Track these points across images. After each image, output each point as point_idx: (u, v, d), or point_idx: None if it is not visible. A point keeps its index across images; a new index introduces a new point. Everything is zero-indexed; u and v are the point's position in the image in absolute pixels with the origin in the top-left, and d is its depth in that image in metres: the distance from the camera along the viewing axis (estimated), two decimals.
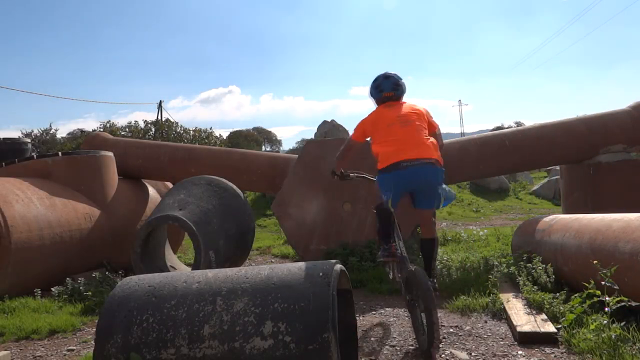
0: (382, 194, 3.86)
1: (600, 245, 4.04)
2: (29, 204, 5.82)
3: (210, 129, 33.68)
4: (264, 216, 15.30)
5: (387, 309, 4.81)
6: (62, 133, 40.33)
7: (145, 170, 8.18)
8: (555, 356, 3.36)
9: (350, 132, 4.67)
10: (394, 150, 3.83)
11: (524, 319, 3.90)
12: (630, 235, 3.73)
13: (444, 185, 3.94)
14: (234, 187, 6.68)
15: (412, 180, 3.80)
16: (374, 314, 4.64)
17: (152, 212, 6.35)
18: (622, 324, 3.30)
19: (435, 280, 3.85)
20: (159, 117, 34.00)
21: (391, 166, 3.80)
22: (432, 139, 3.99)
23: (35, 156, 7.09)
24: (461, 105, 68.98)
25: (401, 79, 4.23)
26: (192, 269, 5.68)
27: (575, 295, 3.94)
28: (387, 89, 4.16)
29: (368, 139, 4.30)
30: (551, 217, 5.79)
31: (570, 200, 7.70)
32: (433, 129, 4.17)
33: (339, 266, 2.66)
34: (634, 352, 3.07)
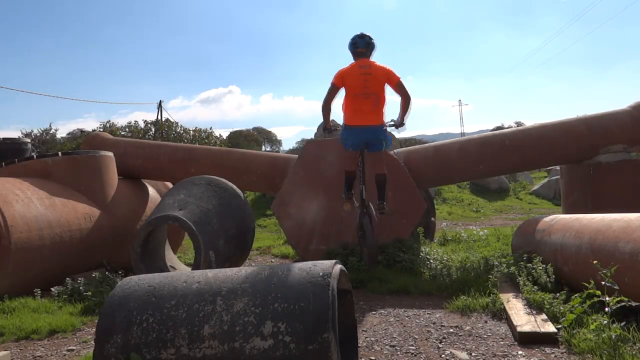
0: (346, 145, 5.46)
1: (600, 245, 4.04)
2: (29, 204, 5.82)
3: (210, 129, 33.67)
4: (264, 216, 15.30)
5: (387, 309, 4.81)
6: (62, 133, 40.35)
7: (145, 170, 8.18)
8: (555, 356, 3.36)
9: None
10: (353, 116, 5.32)
11: (524, 319, 3.90)
12: (630, 235, 3.73)
13: (387, 135, 5.48)
14: (234, 187, 6.68)
15: (364, 137, 5.34)
16: (374, 314, 4.64)
17: (152, 212, 6.35)
18: (622, 324, 3.30)
19: (385, 203, 5.47)
20: (159, 117, 34.00)
21: (351, 127, 5.36)
22: (382, 108, 5.39)
23: (35, 156, 7.08)
24: (461, 105, 69.02)
25: (373, 39, 5.45)
26: (192, 269, 5.68)
27: (576, 295, 3.94)
28: (361, 45, 5.40)
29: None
30: (551, 217, 5.79)
31: (570, 200, 7.70)
32: (393, 84, 5.33)
33: (339, 266, 2.66)
34: (634, 352, 3.07)
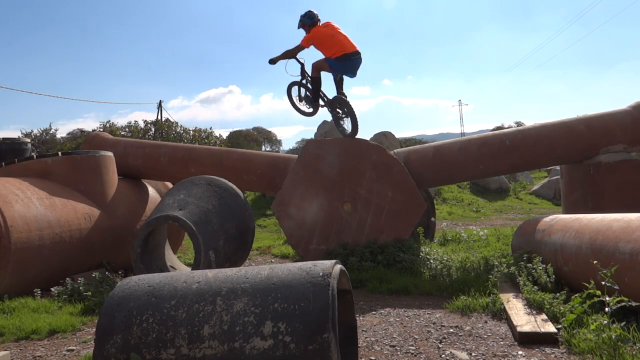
0: (332, 68, 7.03)
1: (600, 246, 4.04)
2: (28, 204, 5.82)
3: (210, 129, 33.64)
4: (264, 216, 15.30)
5: (387, 309, 4.81)
6: (62, 133, 40.34)
7: (145, 170, 8.18)
8: (555, 356, 3.36)
9: None
10: (342, 48, 6.91)
11: (524, 319, 3.90)
12: (630, 236, 3.73)
13: None
14: (234, 187, 6.68)
15: (356, 64, 7.02)
16: (374, 314, 4.64)
17: (152, 212, 6.35)
18: (622, 324, 3.30)
19: (344, 92, 7.28)
20: (159, 117, 33.98)
21: (344, 56, 6.91)
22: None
23: (35, 156, 7.07)
24: (461, 105, 68.96)
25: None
26: (192, 269, 5.68)
27: (576, 295, 3.94)
28: (316, 17, 7.21)
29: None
30: (551, 217, 5.79)
31: (570, 200, 7.70)
32: None
33: (339, 266, 2.66)
34: (634, 352, 3.07)
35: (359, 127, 7.17)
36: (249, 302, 2.43)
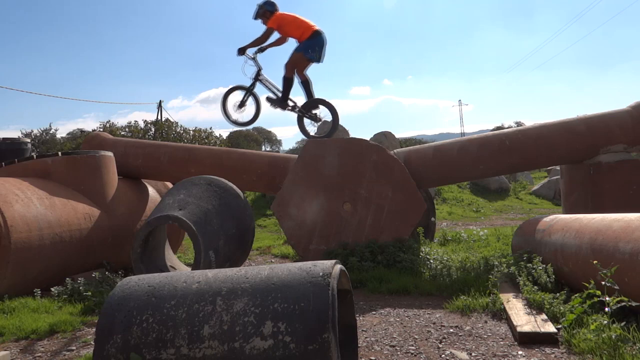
0: (309, 56, 7.07)
1: (600, 245, 4.04)
2: (28, 204, 5.82)
3: (210, 129, 33.63)
4: (264, 216, 15.30)
5: (387, 309, 4.81)
6: (62, 133, 40.32)
7: (145, 170, 8.18)
8: (555, 356, 3.36)
9: (350, 132, 7.85)
10: (309, 26, 7.05)
11: (524, 319, 3.90)
12: (630, 235, 3.73)
13: None
14: (234, 187, 6.68)
15: (323, 42, 7.15)
16: (374, 314, 4.64)
17: (152, 212, 6.34)
18: (623, 324, 3.30)
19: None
20: (159, 117, 33.97)
21: (314, 33, 7.04)
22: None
23: (35, 156, 7.07)
24: (461, 105, 68.97)
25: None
26: (192, 269, 5.68)
27: (576, 295, 3.94)
28: (277, 5, 7.29)
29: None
30: (551, 217, 5.79)
31: (570, 200, 7.70)
32: None
33: (339, 266, 2.66)
34: (634, 352, 3.07)
35: (337, 128, 7.34)
36: (249, 302, 2.43)
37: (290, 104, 7.49)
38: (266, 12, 7.24)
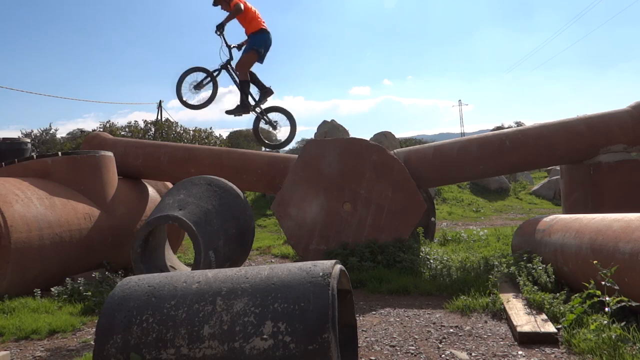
0: (258, 53, 6.92)
1: (600, 245, 4.03)
2: (28, 204, 5.82)
3: (210, 129, 33.62)
4: (264, 216, 15.30)
5: (387, 309, 4.81)
6: (62, 133, 40.28)
7: (145, 170, 8.18)
8: (555, 356, 3.36)
9: (350, 132, 7.88)
10: (260, 23, 6.91)
11: (524, 319, 3.90)
12: (630, 235, 3.73)
13: None
14: (234, 187, 6.68)
15: (270, 43, 7.03)
16: (374, 314, 4.64)
17: (152, 212, 6.34)
18: (622, 324, 3.30)
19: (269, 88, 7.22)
20: (159, 117, 33.96)
21: (262, 30, 6.92)
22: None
23: (35, 156, 7.07)
24: (461, 105, 68.91)
25: None
26: (192, 269, 5.68)
27: (576, 295, 3.94)
28: None
29: None
30: (551, 217, 5.79)
31: (570, 200, 7.70)
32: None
33: (339, 266, 2.66)
34: (634, 352, 3.07)
35: (293, 137, 7.30)
36: (249, 302, 2.43)
37: (251, 105, 7.28)
38: None
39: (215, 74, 7.03)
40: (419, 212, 6.87)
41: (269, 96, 7.29)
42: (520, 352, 3.45)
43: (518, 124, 50.18)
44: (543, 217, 5.99)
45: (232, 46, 7.02)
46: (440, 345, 3.67)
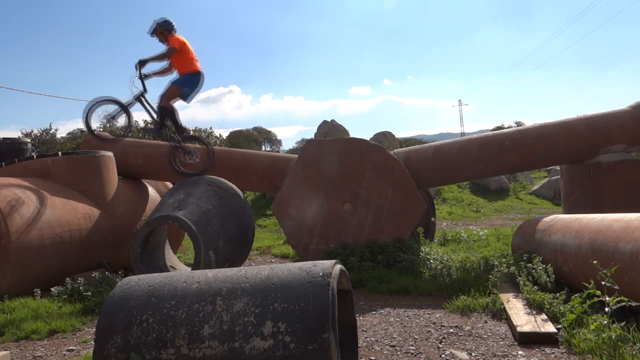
0: (183, 91, 6.97)
1: (600, 245, 4.03)
2: (29, 204, 5.82)
3: (210, 128, 33.61)
4: (264, 216, 15.30)
5: (387, 309, 4.81)
6: (62, 133, 40.25)
7: (145, 170, 8.18)
8: (555, 356, 3.36)
9: (350, 132, 7.65)
10: (195, 65, 7.00)
11: (524, 319, 3.90)
12: (630, 235, 3.73)
13: None
14: (234, 187, 6.68)
15: (201, 85, 7.11)
16: (374, 314, 4.64)
17: (152, 212, 6.35)
18: (623, 324, 3.30)
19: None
20: None
21: (196, 72, 7.00)
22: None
23: (35, 156, 7.07)
24: (461, 105, 68.90)
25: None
26: (192, 269, 5.68)
27: (576, 295, 3.94)
28: (175, 25, 7.09)
29: None
30: (551, 217, 5.79)
31: (570, 200, 7.70)
32: None
33: (339, 266, 2.66)
34: (634, 352, 3.07)
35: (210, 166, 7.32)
36: (249, 302, 2.43)
37: (171, 133, 7.21)
38: (164, 31, 6.95)
39: (128, 106, 6.74)
40: (419, 212, 6.87)
41: (187, 140, 7.35)
42: (520, 352, 3.45)
43: (518, 124, 50.17)
44: (543, 217, 5.99)
45: (144, 77, 6.77)
46: (440, 345, 3.67)
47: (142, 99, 6.84)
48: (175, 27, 7.04)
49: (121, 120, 6.95)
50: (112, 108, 6.71)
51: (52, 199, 6.21)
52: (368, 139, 9.92)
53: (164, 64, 6.98)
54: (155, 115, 6.99)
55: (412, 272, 6.01)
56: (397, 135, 21.71)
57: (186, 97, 7.02)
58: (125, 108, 6.69)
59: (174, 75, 7.05)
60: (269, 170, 7.86)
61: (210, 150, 7.44)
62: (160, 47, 7.04)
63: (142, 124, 32.47)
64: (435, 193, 18.01)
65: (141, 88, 6.78)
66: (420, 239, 7.20)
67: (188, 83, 6.97)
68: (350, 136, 15.79)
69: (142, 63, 6.67)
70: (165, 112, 7.00)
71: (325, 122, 19.19)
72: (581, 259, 4.30)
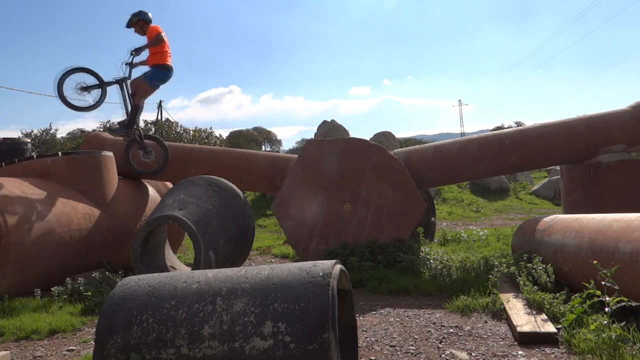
0: (153, 85, 6.99)
1: (600, 245, 4.03)
2: (29, 204, 5.82)
3: (210, 129, 33.61)
4: (264, 216, 15.30)
5: (387, 309, 4.81)
6: (62, 133, 40.23)
7: None
8: (555, 356, 3.36)
9: (350, 132, 7.78)
10: (167, 58, 6.96)
11: (524, 319, 3.90)
12: (630, 235, 3.73)
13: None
14: (234, 187, 6.68)
15: (171, 76, 7.08)
16: (374, 314, 4.64)
17: (152, 212, 6.35)
18: (622, 324, 3.30)
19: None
20: (159, 117, 33.96)
21: (167, 66, 6.97)
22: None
23: (35, 156, 7.07)
24: (461, 105, 68.90)
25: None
26: (192, 269, 5.68)
27: (576, 295, 3.94)
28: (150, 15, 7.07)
29: None
30: (551, 217, 5.79)
31: (570, 200, 7.70)
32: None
33: (339, 266, 2.66)
34: (634, 352, 3.07)
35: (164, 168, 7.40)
36: (249, 302, 2.43)
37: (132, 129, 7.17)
38: (140, 21, 6.95)
39: (107, 85, 6.71)
40: (419, 212, 6.87)
41: (146, 145, 7.24)
42: (520, 352, 3.45)
43: (518, 124, 50.16)
44: (543, 217, 5.99)
45: (132, 65, 6.81)
46: (440, 345, 3.67)
47: (124, 84, 6.82)
48: (151, 17, 7.03)
49: (92, 96, 6.71)
50: (89, 80, 6.63)
51: (52, 199, 6.20)
52: (368, 139, 9.92)
53: (146, 53, 6.96)
54: (129, 107, 6.94)
55: (412, 272, 6.01)
56: (397, 135, 21.71)
57: (154, 90, 7.12)
58: (103, 84, 6.66)
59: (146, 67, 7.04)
60: (269, 170, 7.86)
61: (166, 152, 7.38)
62: (139, 39, 7.05)
63: (142, 124, 32.36)
64: (435, 193, 18.01)
65: (127, 74, 6.80)
66: (420, 239, 7.20)
67: (158, 77, 6.98)
68: (350, 136, 15.79)
69: (137, 50, 6.74)
70: (137, 111, 7.02)
71: (325, 122, 19.19)
72: (581, 259, 4.30)
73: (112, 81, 6.73)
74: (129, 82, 6.84)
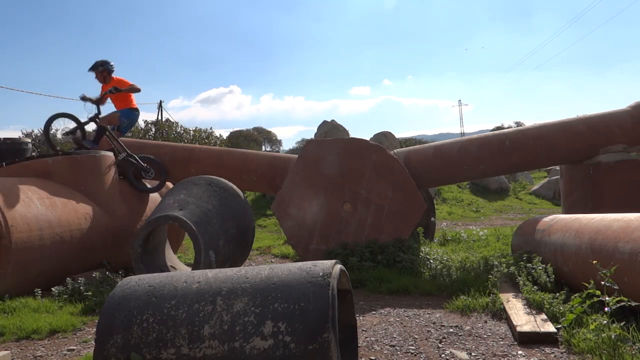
0: (122, 120, 7.73)
1: (600, 245, 4.04)
2: (29, 204, 5.83)
3: (210, 129, 33.60)
4: (264, 216, 15.30)
5: (387, 309, 4.81)
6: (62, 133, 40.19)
7: None
8: (555, 356, 3.36)
9: (350, 132, 7.87)
10: (133, 102, 7.85)
11: (524, 319, 3.91)
12: (630, 235, 3.73)
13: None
14: (234, 187, 6.68)
15: (137, 118, 8.09)
16: (374, 314, 4.64)
17: (152, 212, 6.35)
18: (622, 324, 3.31)
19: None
20: (159, 117, 33.96)
21: (135, 109, 7.91)
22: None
23: (35, 156, 7.07)
24: (461, 105, 68.94)
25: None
26: (192, 269, 5.68)
27: (575, 295, 3.95)
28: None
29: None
30: (551, 217, 5.79)
31: (570, 200, 7.70)
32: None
33: (339, 266, 2.66)
34: (634, 352, 3.07)
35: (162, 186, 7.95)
36: (249, 302, 2.44)
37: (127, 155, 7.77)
38: (105, 71, 7.66)
39: (84, 124, 7.53)
40: (419, 212, 6.88)
41: (145, 167, 7.75)
42: (520, 352, 3.45)
43: (518, 124, 50.16)
44: (543, 217, 5.99)
45: (97, 103, 7.49)
46: (440, 345, 3.67)
47: (97, 120, 7.53)
48: (114, 69, 7.81)
49: (75, 135, 7.68)
50: (71, 124, 7.58)
51: (53, 199, 6.21)
52: (368, 139, 9.92)
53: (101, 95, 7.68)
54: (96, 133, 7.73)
55: (412, 272, 6.01)
56: (397, 135, 21.71)
57: (122, 127, 7.86)
58: (81, 127, 7.50)
59: (112, 107, 7.89)
60: (269, 170, 7.87)
61: (162, 168, 7.89)
62: (97, 84, 7.81)
63: (142, 124, 32.26)
64: (435, 193, 18.01)
65: (95, 111, 7.52)
66: (420, 239, 7.21)
67: (128, 116, 7.83)
68: (350, 136, 15.80)
69: (97, 101, 7.44)
70: (102, 131, 7.56)
71: (325, 122, 19.19)
72: (581, 259, 4.31)
73: (87, 120, 7.51)
74: (100, 116, 7.52)
